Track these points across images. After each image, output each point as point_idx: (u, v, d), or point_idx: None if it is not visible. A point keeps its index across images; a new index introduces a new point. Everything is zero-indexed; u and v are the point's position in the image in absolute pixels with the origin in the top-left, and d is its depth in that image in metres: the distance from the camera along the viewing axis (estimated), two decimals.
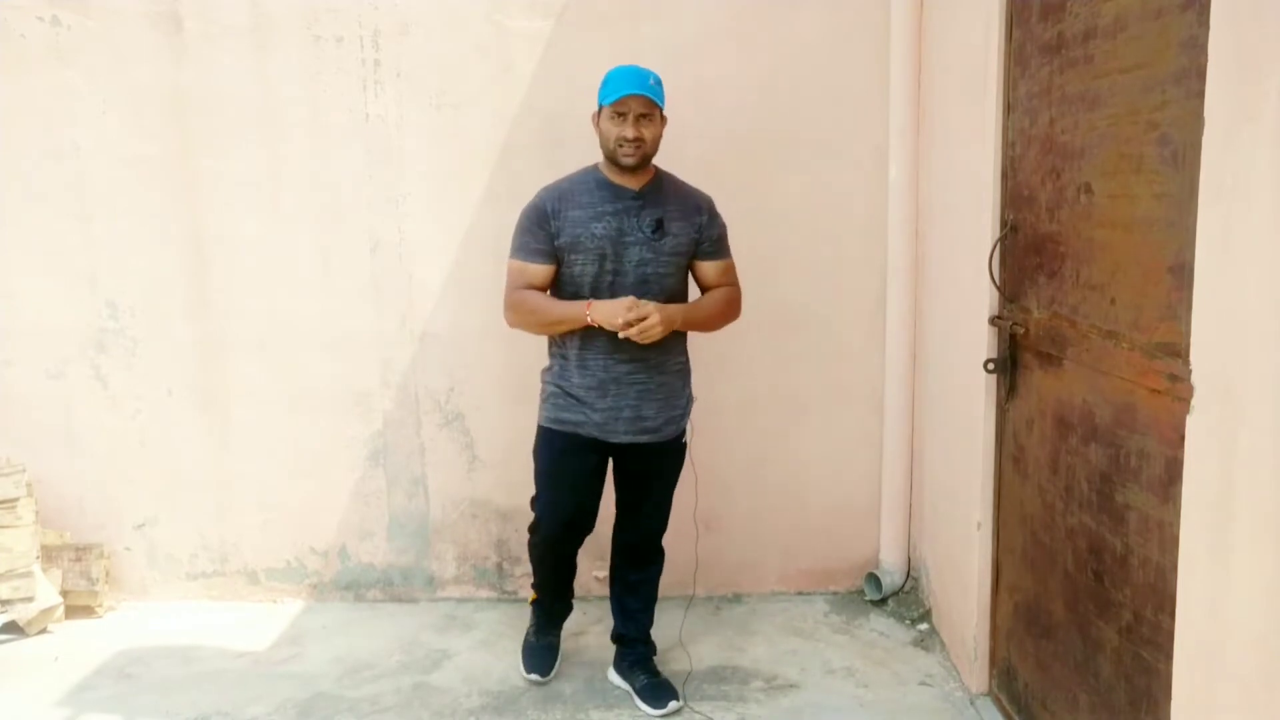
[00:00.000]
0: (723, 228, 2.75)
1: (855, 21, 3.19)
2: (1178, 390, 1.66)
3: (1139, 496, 1.85)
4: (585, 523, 2.76)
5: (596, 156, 2.69)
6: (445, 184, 3.29)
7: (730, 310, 2.75)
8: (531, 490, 2.81)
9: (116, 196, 3.32)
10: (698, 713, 2.72)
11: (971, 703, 2.74)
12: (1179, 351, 1.66)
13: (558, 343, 2.70)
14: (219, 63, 3.25)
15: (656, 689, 2.76)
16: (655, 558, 2.89)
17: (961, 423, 2.82)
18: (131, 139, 3.29)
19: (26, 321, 3.39)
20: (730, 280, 2.76)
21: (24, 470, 3.31)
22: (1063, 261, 2.16)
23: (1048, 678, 2.33)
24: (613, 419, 2.62)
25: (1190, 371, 1.61)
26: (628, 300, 2.52)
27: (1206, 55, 1.54)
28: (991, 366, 2.53)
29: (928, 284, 3.17)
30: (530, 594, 3.02)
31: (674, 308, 2.59)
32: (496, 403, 3.37)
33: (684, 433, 2.76)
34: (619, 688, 2.86)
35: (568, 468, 2.68)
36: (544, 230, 2.59)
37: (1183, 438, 1.63)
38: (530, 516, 2.84)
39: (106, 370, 3.42)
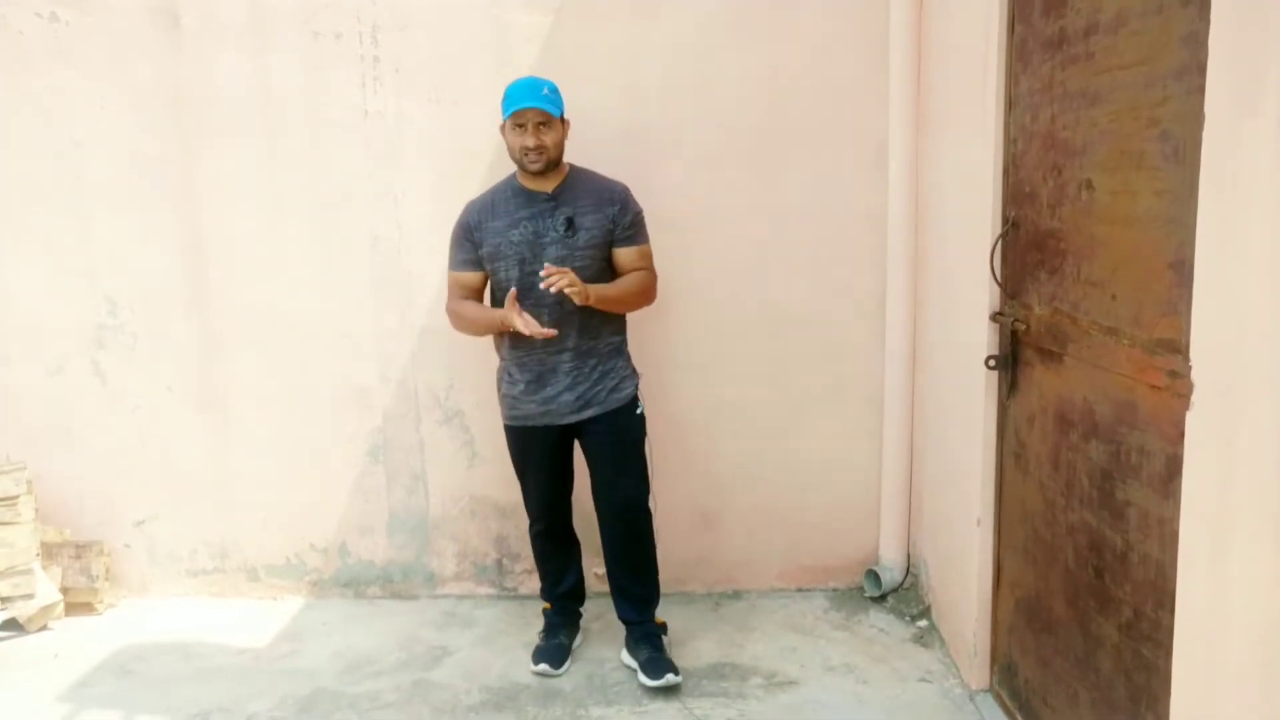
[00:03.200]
0: (636, 215, 2.84)
1: (855, 17, 3.18)
2: (1178, 386, 1.65)
3: (1139, 493, 1.85)
4: (563, 503, 3.00)
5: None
6: (444, 179, 3.28)
7: (644, 293, 2.87)
8: None
9: (115, 193, 3.32)
10: (697, 710, 2.72)
11: (971, 699, 2.74)
12: (1179, 348, 1.66)
13: (497, 347, 2.95)
14: (217, 59, 3.24)
15: (656, 663, 2.81)
16: (640, 527, 2.91)
17: (962, 419, 2.81)
18: (130, 135, 3.29)
19: (26, 318, 3.40)
20: (645, 265, 2.86)
21: (24, 467, 3.31)
22: (1064, 258, 2.16)
23: (1048, 673, 2.33)
24: (555, 404, 2.81)
25: (1190, 368, 1.60)
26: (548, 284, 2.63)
27: (1207, 51, 1.53)
28: (992, 363, 2.53)
29: (928, 280, 3.16)
30: (544, 604, 3.12)
31: (591, 286, 2.72)
32: (496, 399, 3.35)
33: (634, 400, 2.87)
34: (628, 667, 2.91)
35: (533, 456, 2.91)
36: (469, 242, 2.82)
37: (1183, 434, 1.63)
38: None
39: (106, 367, 3.42)
